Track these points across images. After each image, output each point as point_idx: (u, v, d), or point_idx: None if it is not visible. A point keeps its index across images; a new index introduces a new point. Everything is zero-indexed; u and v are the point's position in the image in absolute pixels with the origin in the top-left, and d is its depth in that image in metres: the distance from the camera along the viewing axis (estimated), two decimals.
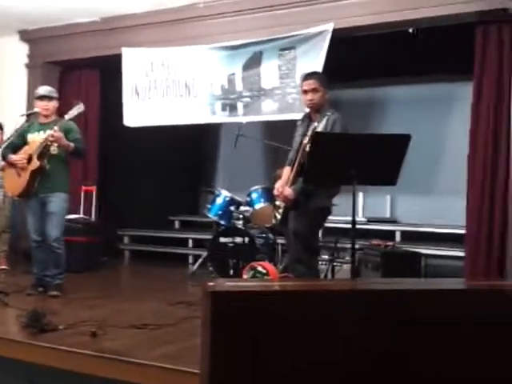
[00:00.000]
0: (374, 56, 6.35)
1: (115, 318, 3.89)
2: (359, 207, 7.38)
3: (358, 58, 6.31)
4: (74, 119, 4.81)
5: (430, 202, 7.24)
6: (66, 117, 4.70)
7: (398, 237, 6.74)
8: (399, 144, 3.24)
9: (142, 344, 3.26)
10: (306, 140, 3.83)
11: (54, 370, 3.13)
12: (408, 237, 6.71)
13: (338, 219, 5.51)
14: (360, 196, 7.34)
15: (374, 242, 5.61)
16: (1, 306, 4.19)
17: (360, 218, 6.96)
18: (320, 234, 5.44)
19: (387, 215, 7.61)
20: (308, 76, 4.06)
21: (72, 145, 4.67)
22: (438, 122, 7.25)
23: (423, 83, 7.38)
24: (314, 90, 3.94)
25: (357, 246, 5.06)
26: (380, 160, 3.21)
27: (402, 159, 3.26)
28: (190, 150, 8.50)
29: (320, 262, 5.33)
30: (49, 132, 4.64)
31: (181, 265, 6.99)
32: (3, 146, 4.85)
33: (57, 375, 3.14)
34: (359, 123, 6.87)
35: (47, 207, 4.74)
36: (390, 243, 5.51)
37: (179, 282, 5.74)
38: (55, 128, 4.57)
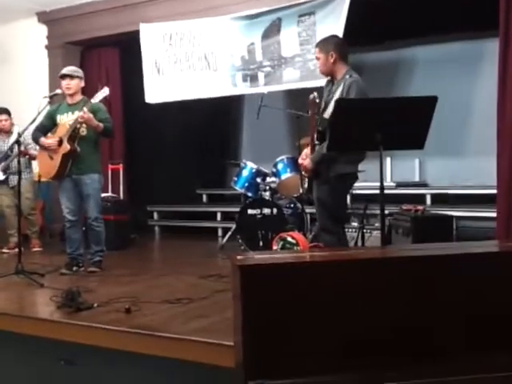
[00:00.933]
0: (398, 16, 6.18)
1: (148, 293, 3.94)
2: (387, 172, 7.30)
3: (382, 19, 6.14)
4: (102, 102, 4.84)
5: (459, 163, 7.11)
6: (92, 100, 4.73)
7: (428, 200, 6.66)
8: (425, 106, 3.16)
9: (175, 318, 3.29)
10: (322, 105, 3.81)
11: (89, 347, 3.19)
12: (438, 200, 6.63)
13: (366, 185, 5.45)
14: (388, 161, 7.25)
15: (404, 206, 5.54)
16: (36, 286, 4.26)
17: (389, 182, 6.89)
18: (348, 201, 5.40)
19: (416, 179, 7.51)
20: (316, 44, 4.06)
21: (101, 125, 4.71)
22: (467, 82, 7.07)
23: (450, 42, 7.17)
24: (317, 59, 3.98)
25: (386, 212, 5.03)
26: (406, 123, 3.13)
27: (428, 122, 3.18)
28: (215, 122, 8.46)
29: (349, 230, 5.30)
30: (77, 113, 4.69)
31: (210, 238, 7.03)
32: (32, 126, 4.89)
33: (92, 353, 3.20)
34: (385, 86, 6.75)
35: (83, 189, 4.82)
36: (421, 207, 5.43)
37: (209, 256, 5.78)
38: (84, 109, 4.59)
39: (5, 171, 6.19)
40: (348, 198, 5.23)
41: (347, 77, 3.77)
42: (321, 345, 1.82)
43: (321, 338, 1.82)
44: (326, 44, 3.92)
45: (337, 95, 3.72)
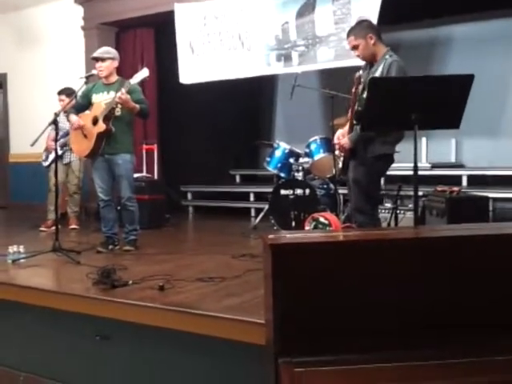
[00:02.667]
0: None
1: (181, 272, 3.99)
2: (422, 153, 7.19)
3: None
4: (139, 84, 4.86)
5: (497, 143, 6.96)
6: (131, 81, 4.74)
7: (464, 182, 6.55)
8: (461, 85, 3.09)
9: (208, 296, 3.33)
10: (360, 86, 3.74)
11: (124, 323, 3.25)
12: (475, 181, 6.51)
13: (400, 166, 5.36)
14: (423, 141, 7.14)
15: (439, 188, 5.45)
16: (73, 264, 4.36)
17: (424, 163, 6.79)
18: (382, 182, 5.35)
19: (452, 160, 7.38)
20: (347, 34, 3.94)
21: (137, 106, 4.74)
22: (505, 60, 6.89)
23: (488, 20, 6.99)
24: (354, 47, 3.86)
25: (421, 193, 4.97)
26: (442, 102, 3.08)
27: (464, 101, 3.12)
28: (248, 103, 8.45)
29: (383, 210, 5.26)
30: (112, 93, 4.73)
31: (243, 218, 7.06)
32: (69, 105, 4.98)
33: (126, 329, 3.27)
34: (421, 65, 6.62)
35: (115, 170, 4.88)
36: (456, 188, 5.33)
37: (242, 236, 5.80)
38: (123, 90, 4.63)
39: (62, 147, 6.34)
40: (382, 178, 5.18)
41: (387, 57, 3.72)
42: (350, 324, 1.82)
43: (350, 318, 1.83)
44: (361, 29, 3.84)
45: (376, 75, 3.66)
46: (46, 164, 6.57)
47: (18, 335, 3.86)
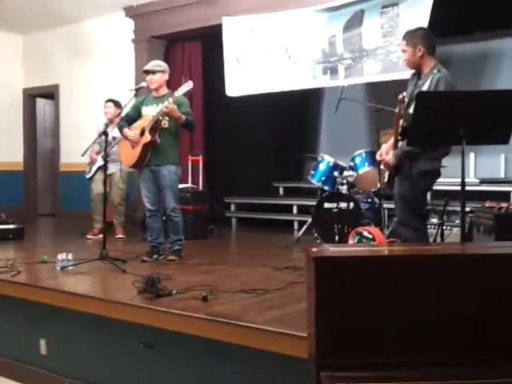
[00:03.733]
0: (486, 6, 5.94)
1: (225, 282, 4.02)
2: (470, 168, 7.05)
3: (469, 9, 5.93)
4: (184, 95, 4.95)
5: None
6: (176, 94, 4.83)
7: None
8: (510, 100, 3.04)
9: (250, 308, 3.34)
10: (402, 101, 3.72)
11: (167, 332, 3.30)
12: None
13: (448, 181, 5.28)
14: (471, 156, 7.01)
15: (487, 203, 5.33)
16: (119, 272, 4.44)
17: (472, 179, 6.66)
18: (428, 197, 5.26)
19: (501, 175, 7.22)
20: (403, 36, 3.94)
21: (184, 117, 4.82)
22: None
23: None
24: (403, 51, 3.85)
25: (468, 209, 4.86)
26: (490, 118, 3.02)
27: None
28: (293, 116, 8.46)
29: (429, 226, 5.17)
30: (161, 106, 4.82)
31: (286, 231, 7.06)
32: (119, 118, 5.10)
33: (169, 337, 3.31)
34: (471, 79, 6.52)
35: (160, 181, 4.96)
36: (505, 205, 5.20)
37: (285, 248, 5.80)
38: (170, 100, 4.72)
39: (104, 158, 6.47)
40: (428, 193, 5.10)
41: (435, 71, 3.67)
42: (394, 340, 1.80)
43: (394, 333, 1.81)
44: (414, 37, 3.82)
45: (424, 90, 3.63)
46: (89, 176, 6.70)
47: (63, 341, 3.95)
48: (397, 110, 3.80)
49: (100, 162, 6.51)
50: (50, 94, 9.33)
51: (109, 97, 6.82)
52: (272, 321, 3.04)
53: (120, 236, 6.66)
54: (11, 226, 6.48)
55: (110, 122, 6.58)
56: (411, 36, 3.83)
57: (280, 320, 3.06)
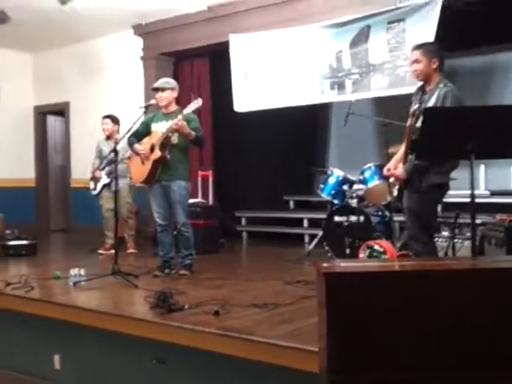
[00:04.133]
0: (492, 20, 5.97)
1: (236, 297, 4.04)
2: (481, 180, 7.04)
3: (475, 23, 5.96)
4: (193, 112, 5.00)
5: None
6: (185, 111, 4.88)
7: None
8: None
9: (262, 323, 3.36)
10: (414, 115, 3.74)
11: (180, 347, 3.32)
12: None
13: (458, 193, 5.28)
14: (481, 168, 7.00)
15: (499, 216, 5.32)
16: (131, 287, 4.48)
17: (482, 191, 6.65)
18: (439, 210, 5.27)
19: None
20: (413, 47, 3.97)
21: (193, 133, 4.88)
22: None
23: None
24: (416, 61, 3.83)
25: (479, 222, 4.86)
26: (499, 132, 3.04)
27: None
28: (301, 130, 8.50)
29: (440, 239, 5.17)
30: (171, 122, 4.88)
31: (297, 244, 7.07)
32: (128, 134, 5.15)
33: (182, 352, 3.33)
34: (478, 93, 6.54)
35: (170, 196, 5.01)
36: None
37: (296, 262, 5.81)
38: (179, 117, 4.78)
39: (108, 175, 6.54)
40: (439, 206, 5.11)
41: (441, 85, 3.70)
42: (406, 355, 1.82)
43: (407, 349, 1.82)
44: (430, 50, 3.84)
45: (430, 105, 3.66)
46: (95, 193, 6.76)
47: (77, 356, 3.98)
48: (408, 124, 3.83)
49: (105, 179, 6.59)
50: (61, 111, 9.44)
51: (118, 114, 6.89)
52: (283, 335, 3.05)
53: (131, 251, 6.70)
54: (24, 242, 6.55)
55: (108, 138, 6.69)
56: (428, 48, 3.86)
57: (291, 334, 3.08)
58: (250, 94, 6.92)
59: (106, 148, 6.59)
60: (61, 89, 9.21)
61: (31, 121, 9.72)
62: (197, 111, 5.03)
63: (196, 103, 4.90)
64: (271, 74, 6.72)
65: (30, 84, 9.66)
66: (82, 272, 4.66)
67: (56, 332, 4.10)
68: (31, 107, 9.70)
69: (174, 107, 5.12)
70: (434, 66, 3.78)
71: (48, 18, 7.49)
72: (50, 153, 9.96)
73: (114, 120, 6.73)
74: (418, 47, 3.91)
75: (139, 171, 5.13)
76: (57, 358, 4.05)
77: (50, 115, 9.87)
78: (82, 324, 3.85)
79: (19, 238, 6.58)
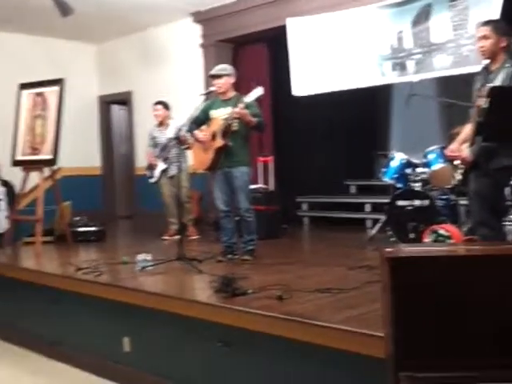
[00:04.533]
0: None
1: (299, 282, 4.05)
2: None
3: None
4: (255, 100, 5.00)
5: None
6: (245, 99, 4.90)
7: None
8: None
9: (325, 308, 3.36)
10: (480, 95, 3.62)
11: (243, 331, 3.37)
12: None
13: None
14: None
15: None
16: (195, 272, 4.57)
17: None
18: (508, 193, 5.10)
19: None
20: (482, 23, 3.82)
21: (254, 120, 4.90)
22: None
23: None
24: (484, 37, 3.69)
25: None
26: None
27: None
28: (362, 113, 8.38)
29: (508, 223, 5.01)
30: (230, 108, 4.93)
31: (359, 229, 7.00)
32: (188, 121, 5.21)
33: (245, 336, 3.38)
34: None
35: (233, 182, 5.06)
36: None
37: (358, 247, 5.77)
38: (240, 105, 4.81)
39: (165, 161, 6.67)
40: (507, 189, 4.95)
41: (508, 65, 3.57)
42: (472, 341, 1.79)
43: (472, 334, 1.79)
44: (501, 27, 3.70)
45: (497, 84, 3.53)
46: (153, 180, 6.88)
47: (145, 339, 4.11)
48: (477, 104, 3.71)
49: (162, 165, 6.70)
50: (124, 100, 9.67)
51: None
52: (347, 320, 3.04)
53: (194, 237, 6.80)
54: (93, 229, 6.81)
55: (160, 124, 6.79)
56: (498, 26, 3.72)
57: (355, 320, 3.06)
58: (309, 77, 6.87)
59: (159, 135, 6.71)
60: (123, 78, 9.43)
61: (96, 110, 10.01)
62: (258, 100, 5.03)
63: (256, 92, 4.91)
64: (329, 56, 6.65)
65: (94, 74, 9.93)
66: (149, 257, 4.79)
67: (125, 315, 4.24)
68: (96, 97, 9.97)
69: (232, 93, 5.15)
70: (503, 45, 3.65)
71: (109, 8, 7.67)
72: (114, 141, 10.24)
73: (165, 105, 6.83)
74: (487, 23, 3.76)
75: (202, 159, 5.20)
76: (126, 340, 4.19)
77: (114, 104, 10.12)
78: (149, 307, 3.96)
79: (88, 225, 6.83)
